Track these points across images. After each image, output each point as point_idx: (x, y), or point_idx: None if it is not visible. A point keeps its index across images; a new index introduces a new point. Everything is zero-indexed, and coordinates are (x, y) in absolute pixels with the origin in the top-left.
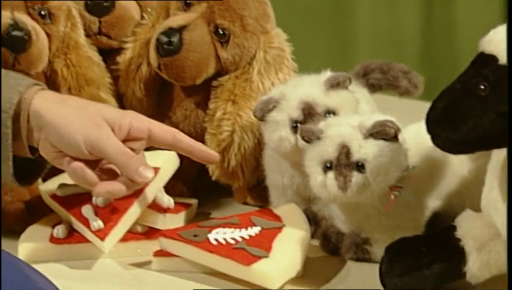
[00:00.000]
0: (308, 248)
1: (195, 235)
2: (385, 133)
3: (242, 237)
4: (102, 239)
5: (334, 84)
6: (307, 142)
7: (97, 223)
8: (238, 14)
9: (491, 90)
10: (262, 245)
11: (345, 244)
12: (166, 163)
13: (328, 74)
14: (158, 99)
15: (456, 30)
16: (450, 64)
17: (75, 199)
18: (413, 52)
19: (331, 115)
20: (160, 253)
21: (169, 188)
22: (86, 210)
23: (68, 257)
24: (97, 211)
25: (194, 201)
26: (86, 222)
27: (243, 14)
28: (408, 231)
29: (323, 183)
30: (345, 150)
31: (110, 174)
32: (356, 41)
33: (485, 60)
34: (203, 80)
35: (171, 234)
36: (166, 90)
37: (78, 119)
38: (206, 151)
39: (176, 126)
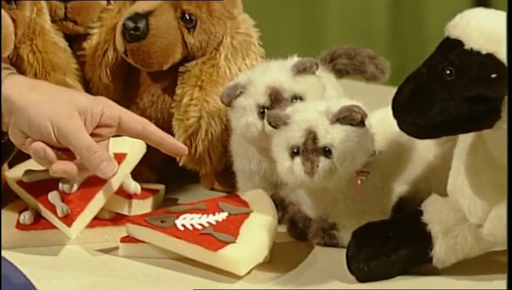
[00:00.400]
0: (275, 233)
1: (162, 221)
2: (352, 118)
3: (209, 223)
4: (69, 225)
5: (301, 70)
6: (274, 127)
7: (64, 209)
8: None
9: (457, 75)
10: (229, 231)
11: (312, 229)
12: (133, 149)
13: (294, 59)
14: (125, 85)
15: (425, 15)
16: (418, 49)
17: (42, 185)
18: (381, 38)
19: (298, 101)
20: (127, 239)
21: (136, 174)
22: (53, 196)
23: (35, 243)
24: (64, 197)
25: (161, 187)
26: (52, 208)
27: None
28: (375, 215)
29: (290, 168)
30: (311, 136)
31: (70, 155)
32: (325, 27)
33: (451, 44)
34: (170, 66)
35: (138, 220)
36: (133, 76)
37: (49, 106)
38: (175, 144)
39: (143, 112)
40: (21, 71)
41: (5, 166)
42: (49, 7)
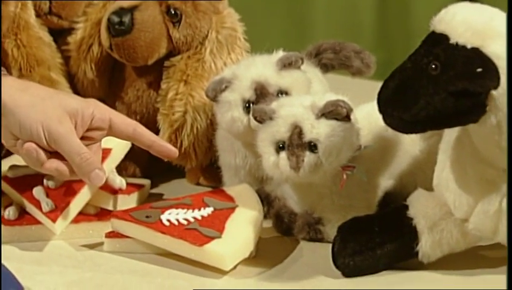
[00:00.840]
0: (260, 228)
1: (147, 216)
2: (337, 113)
3: (194, 218)
4: (53, 221)
5: (286, 64)
6: (260, 122)
7: (48, 205)
8: None
9: (442, 70)
10: (214, 226)
11: (297, 224)
12: (118, 144)
13: (280, 54)
14: (110, 80)
15: (412, 10)
16: (405, 44)
17: (26, 180)
18: (368, 33)
19: (284, 95)
20: (112, 234)
21: (121, 169)
22: (37, 192)
23: (19, 238)
24: (48, 192)
25: (146, 182)
26: (37, 204)
27: None
28: (360, 210)
29: (276, 163)
30: (297, 130)
31: (61, 158)
32: (311, 21)
33: (436, 39)
34: (155, 60)
35: (123, 215)
36: (118, 71)
37: (40, 109)
38: (165, 147)
39: (128, 107)
40: (5, 66)
41: None
42: (34, 2)
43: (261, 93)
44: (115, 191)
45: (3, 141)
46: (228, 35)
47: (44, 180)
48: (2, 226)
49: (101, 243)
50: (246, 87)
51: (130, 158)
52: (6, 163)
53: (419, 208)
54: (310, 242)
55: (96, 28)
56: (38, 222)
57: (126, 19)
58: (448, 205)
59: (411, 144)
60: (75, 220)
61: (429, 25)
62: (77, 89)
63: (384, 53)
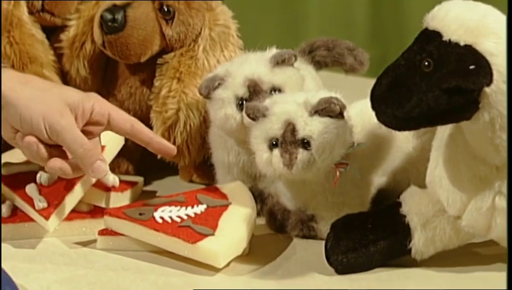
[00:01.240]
0: (254, 226)
1: (140, 214)
2: (330, 110)
3: (188, 215)
4: (46, 218)
5: (280, 62)
6: (253, 119)
7: (41, 202)
8: None
9: (435, 67)
10: (208, 223)
11: (291, 221)
12: (112, 141)
13: (273, 51)
14: (103, 77)
15: (405, 7)
16: (399, 41)
17: (19, 177)
18: (362, 30)
19: (277, 92)
20: (105, 232)
21: (114, 166)
22: (30, 189)
23: (12, 236)
24: (41, 190)
25: (139, 179)
26: (30, 201)
27: None
28: (354, 207)
29: (269, 160)
30: (290, 127)
31: (61, 152)
32: (305, 18)
33: (429, 36)
34: (148, 58)
35: (116, 213)
36: (111, 68)
37: (41, 102)
38: (163, 144)
39: (121, 104)
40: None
41: None
42: None
43: (254, 90)
44: (108, 189)
45: (2, 134)
46: (221, 33)
47: (38, 178)
48: None
49: (94, 241)
50: (239, 84)
51: (123, 155)
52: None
53: (413, 205)
54: (303, 239)
55: (89, 25)
56: (31, 220)
57: (119, 16)
58: (441, 202)
59: (404, 141)
60: (68, 218)
61: (422, 23)
62: (70, 86)
63: (378, 50)
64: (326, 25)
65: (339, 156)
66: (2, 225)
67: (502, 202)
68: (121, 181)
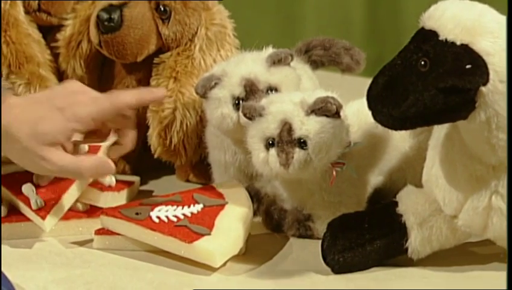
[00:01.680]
0: (250, 225)
1: (137, 213)
2: (327, 109)
3: (184, 215)
4: (43, 218)
5: (276, 61)
6: (249, 119)
7: (38, 202)
8: None
9: (432, 66)
10: (204, 223)
11: (287, 221)
12: (108, 141)
13: (269, 50)
14: (99, 77)
15: (402, 7)
16: (395, 41)
17: (16, 177)
18: (359, 29)
19: (273, 92)
20: (102, 231)
21: None
22: (27, 189)
23: (9, 236)
24: (38, 189)
25: (136, 179)
26: (26, 201)
27: None
28: (350, 207)
29: (266, 160)
30: (286, 127)
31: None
32: (302, 18)
33: (426, 35)
34: (145, 57)
35: (113, 212)
36: (108, 68)
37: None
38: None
39: None
40: None
41: None
42: None
43: (251, 90)
44: (104, 188)
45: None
46: (218, 32)
47: (34, 177)
48: None
49: (91, 240)
50: (236, 84)
51: None
52: None
53: (409, 204)
54: (299, 239)
55: (85, 24)
56: (27, 219)
57: (115, 15)
58: (438, 201)
59: (401, 141)
60: (65, 217)
61: (419, 22)
62: None
63: (374, 50)
64: (323, 25)
65: (335, 156)
66: None
67: (498, 202)
68: (117, 181)
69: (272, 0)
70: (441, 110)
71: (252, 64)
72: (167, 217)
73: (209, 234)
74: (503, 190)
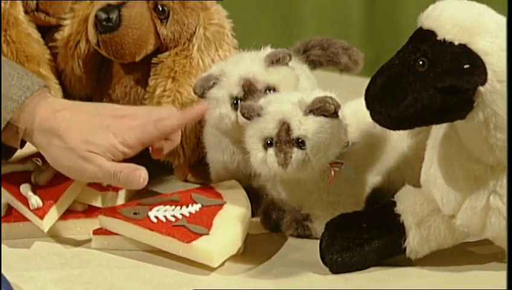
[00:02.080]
0: (248, 225)
1: (135, 213)
2: (325, 109)
3: (182, 215)
4: (41, 218)
5: (274, 61)
6: (247, 119)
7: (36, 202)
8: None
9: (430, 66)
10: (202, 222)
11: (285, 221)
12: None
13: (268, 50)
14: (97, 77)
15: (400, 7)
16: (394, 40)
17: (14, 177)
18: (357, 29)
19: (272, 92)
20: (100, 231)
21: None
22: (25, 188)
23: (7, 236)
24: (36, 189)
25: None
26: (24, 201)
27: None
28: (348, 207)
29: (264, 160)
30: (285, 127)
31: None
32: (299, 18)
33: (424, 35)
34: (143, 57)
35: (111, 212)
36: (106, 68)
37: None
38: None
39: (116, 103)
40: None
41: None
42: None
43: (249, 89)
44: (103, 188)
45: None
46: (216, 32)
47: (32, 177)
48: None
49: (89, 240)
50: (234, 83)
51: None
52: None
53: (407, 204)
54: (298, 239)
55: (83, 24)
56: (25, 219)
57: (113, 15)
58: (436, 201)
59: (399, 141)
60: (63, 217)
61: (417, 22)
62: (65, 85)
63: (373, 50)
64: (321, 25)
65: (333, 156)
66: None
67: (496, 201)
68: None
69: (270, 0)
70: (439, 110)
71: (250, 64)
72: (165, 217)
73: (207, 234)
74: (501, 189)
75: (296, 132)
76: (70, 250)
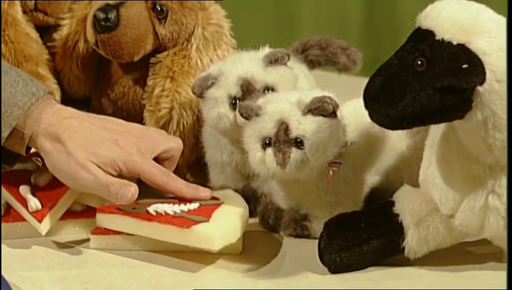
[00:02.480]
0: (246, 224)
1: (133, 209)
2: (323, 109)
3: (182, 210)
4: (39, 221)
5: (273, 61)
6: (246, 119)
7: (35, 204)
8: None
9: (428, 66)
10: (202, 214)
11: (284, 220)
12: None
13: (266, 50)
14: (96, 77)
15: (398, 7)
16: (392, 40)
17: (13, 176)
18: (356, 29)
19: (270, 92)
20: (99, 231)
21: None
22: (24, 190)
23: (5, 235)
24: (36, 191)
25: (133, 179)
26: (23, 202)
27: None
28: (347, 206)
29: (262, 159)
30: (283, 127)
31: None
32: (298, 18)
33: (422, 35)
34: (141, 57)
35: (110, 209)
36: (104, 68)
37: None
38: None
39: (114, 103)
40: None
41: None
42: None
43: (248, 89)
44: None
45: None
46: (214, 32)
47: (32, 178)
48: None
49: (87, 240)
50: (232, 83)
51: None
52: None
53: (406, 204)
54: (296, 238)
55: (82, 24)
56: (24, 219)
57: (112, 15)
58: (434, 201)
59: (397, 140)
60: (62, 218)
61: (415, 22)
62: (63, 85)
63: (371, 49)
64: (320, 24)
65: (332, 155)
66: None
67: (495, 201)
68: None
69: (269, 0)
70: (438, 109)
71: (248, 64)
72: (165, 211)
73: (207, 221)
74: (500, 189)
75: (294, 132)
76: (68, 250)
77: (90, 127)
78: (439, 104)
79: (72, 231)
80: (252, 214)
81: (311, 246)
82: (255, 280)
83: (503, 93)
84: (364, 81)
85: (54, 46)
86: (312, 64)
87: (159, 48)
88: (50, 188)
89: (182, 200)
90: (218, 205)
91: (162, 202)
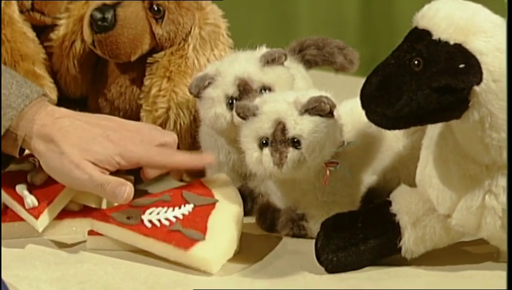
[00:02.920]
0: (242, 223)
1: (128, 218)
2: (320, 109)
3: (176, 217)
4: (36, 217)
5: (270, 61)
6: (243, 118)
7: (31, 201)
8: None
9: (425, 66)
10: (197, 225)
11: (281, 220)
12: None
13: (263, 50)
14: (93, 77)
15: (395, 6)
16: (390, 40)
17: (10, 176)
18: (353, 29)
19: (267, 92)
20: (95, 232)
21: None
22: (20, 188)
23: (3, 235)
24: (32, 189)
25: (130, 178)
26: (20, 200)
27: None
28: (344, 206)
29: (259, 159)
30: (280, 126)
31: None
32: (295, 17)
33: (419, 35)
34: (138, 57)
35: (104, 217)
36: (101, 67)
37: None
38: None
39: (111, 103)
40: None
41: None
42: None
43: (244, 89)
44: None
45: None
46: (211, 32)
47: (28, 177)
48: None
49: (85, 240)
50: (229, 83)
51: None
52: None
53: (403, 203)
54: (293, 238)
55: (78, 24)
56: (21, 219)
57: (109, 15)
58: (431, 200)
59: (394, 140)
60: (59, 217)
61: (412, 22)
62: (60, 85)
63: (368, 49)
64: (317, 24)
65: (329, 155)
66: None
67: (491, 201)
68: None
69: None
70: (435, 109)
71: (245, 63)
72: (159, 220)
73: (203, 239)
74: (497, 189)
75: (291, 132)
76: (65, 249)
77: (83, 125)
78: (436, 104)
79: (69, 231)
80: (249, 214)
81: (308, 246)
82: (252, 280)
83: (500, 93)
84: (361, 81)
85: (51, 46)
86: (309, 64)
87: (156, 47)
88: (46, 185)
89: (176, 201)
90: (213, 205)
91: (156, 205)
